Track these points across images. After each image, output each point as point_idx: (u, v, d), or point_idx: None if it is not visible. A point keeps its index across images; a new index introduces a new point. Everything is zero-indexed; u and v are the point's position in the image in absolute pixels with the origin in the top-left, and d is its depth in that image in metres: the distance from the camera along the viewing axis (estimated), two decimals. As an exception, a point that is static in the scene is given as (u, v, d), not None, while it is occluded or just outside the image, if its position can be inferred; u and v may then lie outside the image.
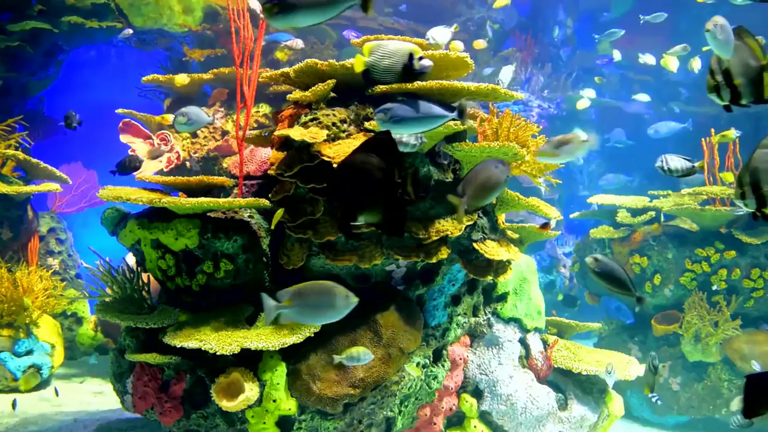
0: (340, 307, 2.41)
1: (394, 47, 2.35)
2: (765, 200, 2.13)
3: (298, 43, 5.84)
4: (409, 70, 2.38)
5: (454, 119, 2.51)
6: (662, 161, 3.16)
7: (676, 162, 3.13)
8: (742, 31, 2.04)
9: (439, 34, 3.21)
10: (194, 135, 5.27)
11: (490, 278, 3.30)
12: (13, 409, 3.87)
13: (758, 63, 2.03)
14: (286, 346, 2.79)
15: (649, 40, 8.68)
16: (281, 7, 1.97)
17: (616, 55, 8.09)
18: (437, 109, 2.46)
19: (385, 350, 2.98)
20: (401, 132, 2.65)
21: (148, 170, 4.87)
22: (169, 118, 5.07)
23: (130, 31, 5.67)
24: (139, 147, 4.99)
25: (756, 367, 4.56)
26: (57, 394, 3.94)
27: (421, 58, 2.33)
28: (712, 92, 2.07)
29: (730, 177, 5.43)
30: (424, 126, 2.52)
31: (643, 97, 8.36)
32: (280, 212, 2.97)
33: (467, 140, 3.47)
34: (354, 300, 2.44)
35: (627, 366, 3.72)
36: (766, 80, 2.06)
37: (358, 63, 2.45)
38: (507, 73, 3.38)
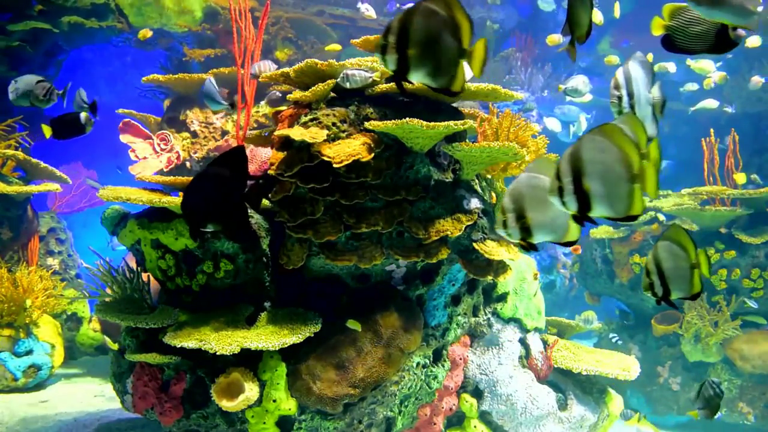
0: None
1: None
2: (530, 230, 1.92)
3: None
4: (724, 40, 2.01)
5: (226, 109, 3.44)
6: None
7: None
8: None
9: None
10: (194, 135, 5.27)
11: (490, 278, 3.30)
12: None
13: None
14: (286, 346, 2.79)
15: (650, 40, 8.67)
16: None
17: (671, 68, 7.24)
18: (219, 99, 3.55)
19: (385, 350, 2.98)
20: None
21: (148, 170, 4.87)
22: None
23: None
24: (139, 147, 4.99)
25: None
26: None
27: (735, 28, 2.00)
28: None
29: (740, 179, 5.44)
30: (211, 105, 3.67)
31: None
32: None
33: (467, 140, 3.47)
34: None
35: (627, 366, 3.72)
36: None
37: (655, 26, 2.06)
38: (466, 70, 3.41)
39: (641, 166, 1.66)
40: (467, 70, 3.50)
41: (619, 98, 1.99)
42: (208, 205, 2.36)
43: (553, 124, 7.15)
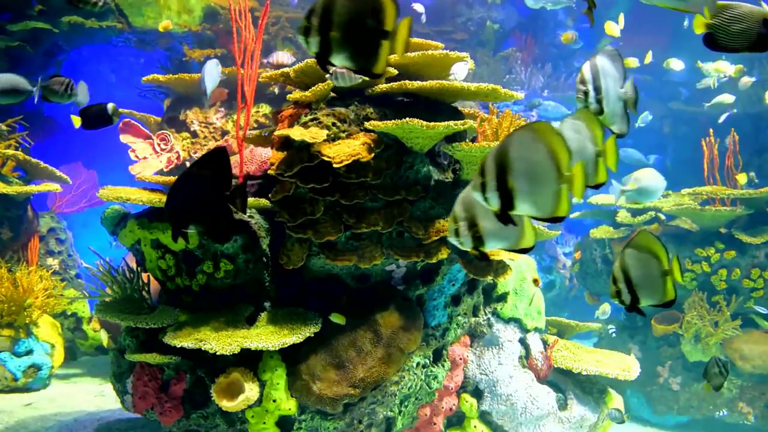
0: (661, 186, 3.40)
1: (747, 10, 2.04)
2: (483, 239, 1.87)
3: None
4: (765, 38, 2.01)
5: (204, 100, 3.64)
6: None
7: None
8: None
9: (458, 69, 3.33)
10: (194, 135, 5.27)
11: (490, 278, 3.30)
12: None
13: None
14: (286, 346, 2.79)
15: (650, 40, 8.68)
16: None
17: (676, 66, 7.03)
18: (205, 96, 3.75)
19: (385, 350, 2.98)
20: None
21: (148, 170, 4.87)
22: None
23: None
24: (139, 147, 4.99)
25: None
26: None
27: None
28: None
29: (742, 179, 5.44)
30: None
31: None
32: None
33: (467, 140, 3.47)
34: (664, 183, 3.60)
35: (627, 366, 3.72)
36: None
37: (697, 24, 2.05)
38: (461, 69, 3.44)
39: (577, 165, 1.61)
40: (461, 70, 3.51)
41: (585, 93, 1.93)
42: (189, 206, 2.36)
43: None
